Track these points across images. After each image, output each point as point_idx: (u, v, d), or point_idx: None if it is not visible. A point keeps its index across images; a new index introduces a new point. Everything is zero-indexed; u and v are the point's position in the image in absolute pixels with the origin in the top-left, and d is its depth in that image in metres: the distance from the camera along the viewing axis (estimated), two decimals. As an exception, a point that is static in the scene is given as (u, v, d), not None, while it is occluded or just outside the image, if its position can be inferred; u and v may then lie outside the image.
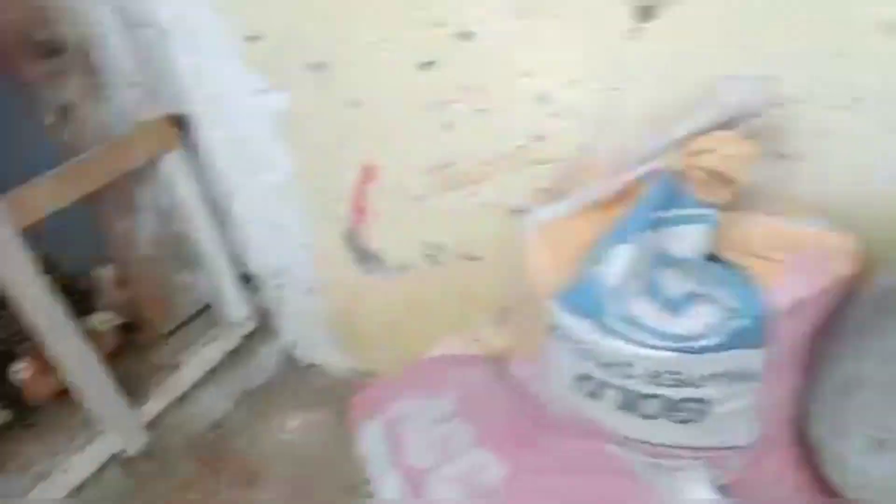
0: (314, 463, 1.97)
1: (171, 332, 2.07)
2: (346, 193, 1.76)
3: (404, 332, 1.94)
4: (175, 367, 1.98)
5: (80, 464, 1.77)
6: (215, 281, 2.05)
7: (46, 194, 1.57)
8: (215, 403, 2.11)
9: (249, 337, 2.15)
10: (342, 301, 2.03)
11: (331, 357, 2.21)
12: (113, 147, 1.68)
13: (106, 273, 1.93)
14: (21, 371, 1.73)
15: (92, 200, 1.73)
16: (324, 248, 1.93)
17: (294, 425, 2.11)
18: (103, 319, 1.86)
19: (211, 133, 1.87)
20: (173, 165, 1.85)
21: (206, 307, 2.12)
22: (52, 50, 1.58)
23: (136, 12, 1.72)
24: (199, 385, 2.03)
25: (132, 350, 2.00)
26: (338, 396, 2.16)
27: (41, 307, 1.60)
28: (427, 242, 1.73)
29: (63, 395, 1.80)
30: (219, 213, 2.01)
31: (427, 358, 1.56)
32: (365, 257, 1.86)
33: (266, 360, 2.24)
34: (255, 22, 1.60)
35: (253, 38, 1.62)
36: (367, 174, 1.70)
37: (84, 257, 1.96)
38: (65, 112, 1.64)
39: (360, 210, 1.77)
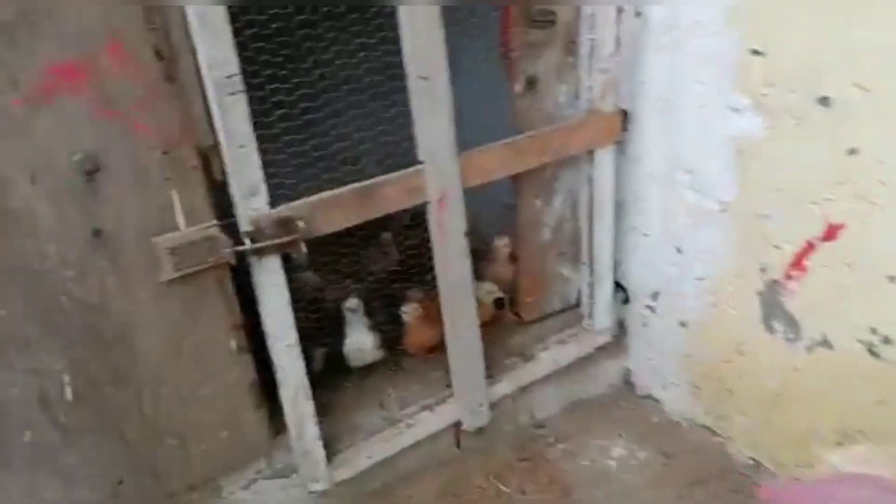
0: (632, 502, 1.82)
1: (535, 321, 2.02)
2: (787, 242, 1.54)
3: (785, 412, 1.69)
4: (529, 357, 1.93)
5: (425, 422, 1.80)
6: (591, 283, 1.95)
7: (495, 161, 1.57)
8: (548, 403, 2.05)
9: (601, 348, 2.04)
10: (717, 348, 1.81)
11: (675, 398, 2.02)
12: (565, 130, 1.63)
13: (503, 246, 1.91)
14: (409, 313, 1.77)
15: (518, 173, 1.71)
16: (724, 287, 1.72)
17: (617, 454, 1.97)
18: (489, 290, 1.84)
19: (653, 136, 1.74)
20: (603, 160, 1.75)
21: (573, 306, 2.04)
22: (542, 21, 1.54)
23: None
24: (541, 381, 1.97)
25: (497, 327, 1.98)
26: (669, 440, 1.98)
27: (455, 262, 1.62)
28: (872, 328, 1.45)
29: (432, 351, 1.84)
30: (620, 217, 1.89)
31: (852, 472, 1.28)
32: (776, 315, 1.62)
33: (607, 376, 2.12)
34: (769, 36, 1.42)
35: (757, 53, 1.43)
36: (830, 232, 1.45)
37: (487, 224, 1.96)
38: (532, 84, 1.61)
39: (799, 266, 1.53)
